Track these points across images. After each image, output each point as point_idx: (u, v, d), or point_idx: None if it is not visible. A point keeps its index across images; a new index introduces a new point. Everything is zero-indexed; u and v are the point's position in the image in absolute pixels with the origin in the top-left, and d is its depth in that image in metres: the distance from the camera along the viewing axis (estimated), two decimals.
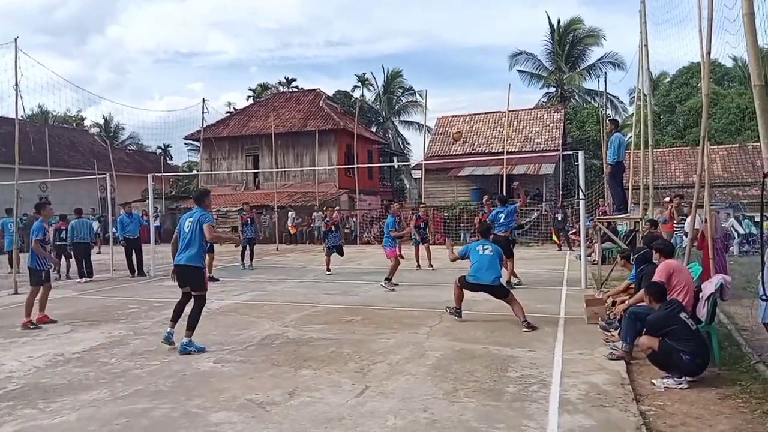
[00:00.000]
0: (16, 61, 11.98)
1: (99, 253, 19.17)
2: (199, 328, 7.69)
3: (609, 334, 6.79)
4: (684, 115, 35.49)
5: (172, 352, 6.55)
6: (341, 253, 14.15)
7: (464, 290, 8.04)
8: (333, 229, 13.99)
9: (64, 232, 13.89)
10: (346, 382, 5.31)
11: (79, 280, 13.49)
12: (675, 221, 12.38)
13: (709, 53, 7.09)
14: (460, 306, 8.03)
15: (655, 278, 5.97)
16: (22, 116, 12.94)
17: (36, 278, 8.42)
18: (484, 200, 16.54)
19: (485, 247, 7.93)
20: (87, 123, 51.91)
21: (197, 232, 6.41)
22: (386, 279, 11.22)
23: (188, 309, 6.61)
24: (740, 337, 6.62)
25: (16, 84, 12.05)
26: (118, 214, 16.64)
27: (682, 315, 5.20)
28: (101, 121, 51.21)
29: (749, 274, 10.40)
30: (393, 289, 10.92)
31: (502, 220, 10.86)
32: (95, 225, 19.51)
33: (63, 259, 14.05)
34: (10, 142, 17.30)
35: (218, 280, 12.62)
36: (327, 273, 13.65)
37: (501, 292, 7.89)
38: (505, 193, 23.63)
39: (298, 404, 4.74)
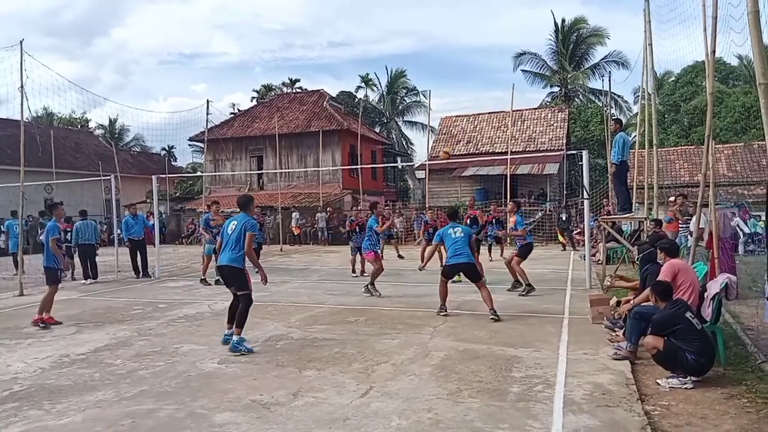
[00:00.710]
0: (21, 64, 12.04)
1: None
2: (204, 329, 7.73)
3: (614, 333, 6.77)
4: (689, 114, 35.40)
5: (176, 353, 6.58)
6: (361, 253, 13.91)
7: (447, 282, 8.49)
8: (357, 229, 13.85)
9: (69, 233, 13.94)
10: (351, 382, 5.31)
11: (83, 281, 13.53)
12: (680, 221, 12.35)
13: (713, 52, 7.07)
14: (444, 303, 8.41)
15: (660, 278, 5.96)
16: (27, 118, 12.99)
17: (54, 277, 8.59)
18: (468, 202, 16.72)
19: (455, 229, 8.48)
20: (92, 125, 52.15)
21: (242, 236, 6.62)
22: (368, 284, 10.45)
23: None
24: (746, 337, 6.58)
25: (22, 86, 12.11)
26: (123, 215, 16.70)
27: (688, 314, 5.18)
28: (106, 123, 51.41)
29: (755, 273, 10.36)
30: (376, 295, 10.24)
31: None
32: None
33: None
34: (16, 144, 17.39)
35: (210, 284, 12.17)
36: (353, 275, 13.25)
37: (475, 273, 8.36)
38: (509, 193, 23.73)
39: (303, 405, 4.75)
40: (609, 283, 9.18)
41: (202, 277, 12.65)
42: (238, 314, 6.59)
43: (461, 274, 8.78)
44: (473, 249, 8.80)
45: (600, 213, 17.64)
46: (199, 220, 21.82)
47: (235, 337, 6.51)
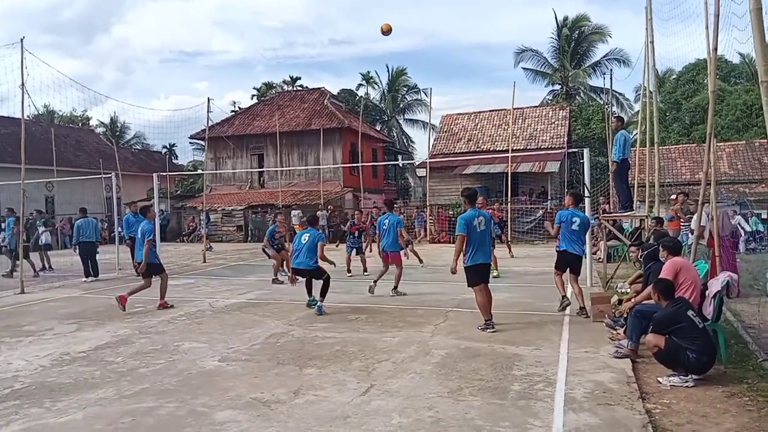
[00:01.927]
0: (22, 61, 12.02)
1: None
2: (204, 327, 7.75)
3: (615, 332, 6.77)
4: (690, 112, 35.33)
5: (177, 351, 6.58)
6: (358, 253, 13.90)
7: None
8: (356, 233, 13.79)
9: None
10: (351, 380, 5.31)
11: (84, 279, 13.53)
12: (681, 220, 12.34)
13: (715, 49, 7.05)
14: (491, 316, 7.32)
15: (662, 276, 5.94)
16: (28, 116, 12.99)
17: (158, 269, 9.66)
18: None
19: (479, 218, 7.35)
20: (93, 123, 52.08)
21: (313, 246, 8.86)
22: (395, 288, 10.27)
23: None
24: (747, 335, 6.58)
25: (23, 84, 12.10)
26: (124, 213, 16.69)
27: (689, 313, 5.17)
28: (107, 121, 51.40)
29: (756, 271, 10.35)
30: (402, 294, 10.18)
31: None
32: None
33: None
34: (17, 142, 17.39)
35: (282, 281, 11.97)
36: (348, 275, 13.05)
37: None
38: (510, 192, 23.72)
39: (303, 403, 4.75)
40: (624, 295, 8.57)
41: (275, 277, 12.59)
42: (322, 287, 8.77)
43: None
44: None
45: (597, 211, 17.60)
46: (200, 222, 21.86)
47: (320, 303, 8.67)
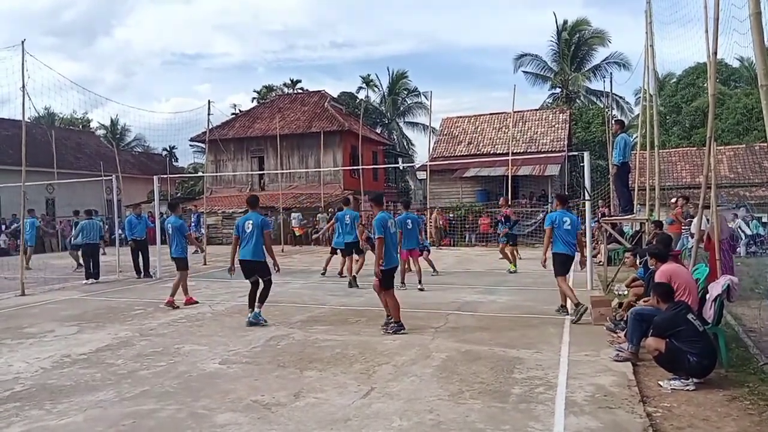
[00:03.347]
0: (23, 64, 12.04)
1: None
2: (205, 329, 7.75)
3: (615, 335, 6.77)
4: (690, 116, 35.38)
5: (177, 353, 6.58)
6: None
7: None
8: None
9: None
10: (352, 383, 5.31)
11: (85, 281, 13.52)
12: (682, 223, 12.34)
13: (715, 53, 7.06)
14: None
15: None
16: (29, 118, 13.02)
17: (184, 264, 9.92)
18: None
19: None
20: (93, 125, 52.15)
21: (260, 234, 7.90)
22: (420, 283, 11.19)
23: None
24: (748, 339, 6.58)
25: (23, 86, 12.11)
26: (125, 215, 16.70)
27: (690, 316, 5.18)
28: (108, 123, 51.45)
29: (757, 275, 10.36)
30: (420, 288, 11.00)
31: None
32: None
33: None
34: (18, 144, 17.40)
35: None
36: (341, 277, 13.05)
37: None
38: (510, 195, 23.72)
39: (304, 405, 4.75)
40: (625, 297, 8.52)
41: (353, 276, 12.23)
42: (261, 293, 7.96)
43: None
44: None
45: (596, 214, 17.60)
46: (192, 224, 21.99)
47: (256, 310, 7.90)
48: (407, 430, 4.20)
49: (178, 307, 9.51)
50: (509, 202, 16.17)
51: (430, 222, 24.63)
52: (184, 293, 9.88)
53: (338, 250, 13.08)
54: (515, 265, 13.72)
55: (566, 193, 11.20)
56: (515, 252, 14.34)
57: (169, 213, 10.59)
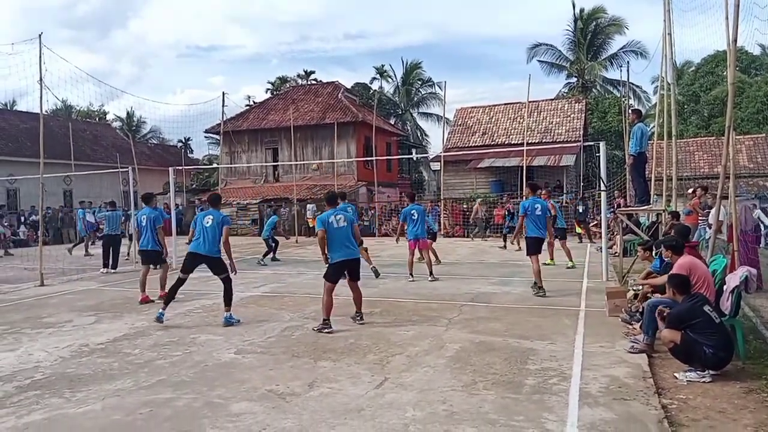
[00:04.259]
0: (40, 57, 12.16)
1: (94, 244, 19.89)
2: (220, 319, 7.79)
3: (631, 326, 6.72)
4: (709, 105, 34.84)
5: (193, 343, 6.65)
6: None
7: None
8: None
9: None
10: (365, 373, 5.34)
11: (102, 270, 13.76)
12: (699, 214, 12.18)
13: (735, 40, 6.93)
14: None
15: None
16: (46, 111, 13.17)
17: (160, 256, 9.70)
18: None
19: (337, 217, 7.33)
20: (109, 117, 52.71)
21: (218, 230, 7.59)
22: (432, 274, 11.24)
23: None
24: (766, 331, 6.49)
25: (41, 79, 12.24)
26: (140, 207, 16.87)
27: (706, 308, 5.12)
28: (123, 115, 51.93)
29: None
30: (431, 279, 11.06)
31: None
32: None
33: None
34: (36, 137, 17.62)
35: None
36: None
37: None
38: (524, 185, 23.56)
39: (318, 395, 4.78)
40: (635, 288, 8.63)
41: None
42: (226, 294, 7.59)
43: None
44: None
45: (612, 206, 17.43)
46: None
47: (226, 313, 7.57)
48: (420, 420, 4.21)
49: (153, 300, 9.27)
50: (550, 194, 15.34)
51: (445, 213, 24.60)
52: (161, 287, 9.37)
53: None
54: (571, 261, 12.79)
55: (535, 181, 11.57)
56: (552, 245, 12.94)
57: (143, 205, 10.17)
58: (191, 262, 7.68)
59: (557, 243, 13.02)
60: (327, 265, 7.31)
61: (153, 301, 9.32)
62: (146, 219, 9.53)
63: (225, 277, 7.58)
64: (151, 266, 10.03)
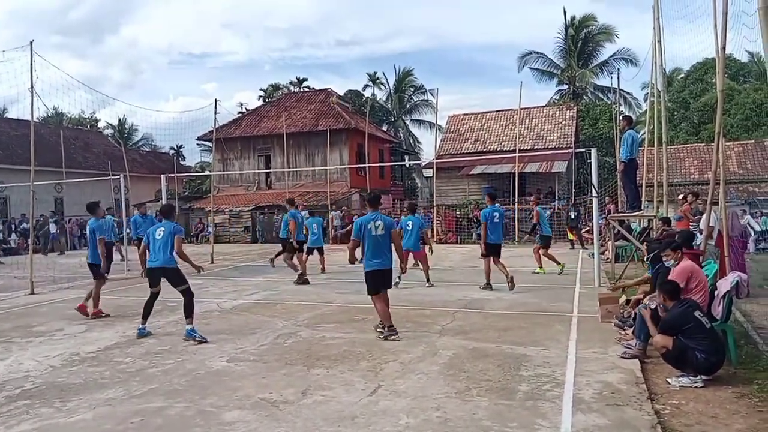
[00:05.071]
0: (31, 64, 12.10)
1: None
2: (212, 327, 7.76)
3: (623, 332, 6.74)
4: (698, 111, 35.13)
5: (185, 351, 6.61)
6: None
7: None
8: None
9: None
10: (359, 380, 5.32)
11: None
12: (691, 220, 12.26)
13: (723, 48, 7.01)
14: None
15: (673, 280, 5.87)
16: (37, 118, 13.10)
17: (99, 271, 9.09)
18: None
19: (377, 224, 6.99)
20: (101, 125, 52.46)
21: (170, 241, 7.35)
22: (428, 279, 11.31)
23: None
24: (757, 336, 6.54)
25: (32, 86, 12.18)
26: (132, 214, 16.87)
27: (697, 313, 5.15)
28: (115, 123, 51.72)
29: (766, 271, 10.29)
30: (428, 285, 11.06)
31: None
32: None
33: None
34: (27, 144, 17.54)
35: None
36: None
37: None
38: (516, 192, 23.66)
39: (311, 403, 4.76)
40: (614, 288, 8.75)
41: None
42: (186, 306, 7.24)
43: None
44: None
45: (603, 212, 17.51)
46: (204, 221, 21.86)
47: (188, 326, 7.13)
48: (414, 427, 4.20)
49: (108, 315, 8.92)
50: (538, 201, 14.82)
51: (438, 220, 24.63)
52: (94, 304, 8.91)
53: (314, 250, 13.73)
54: (560, 265, 12.54)
55: (494, 191, 11.85)
56: (540, 252, 13.00)
57: (90, 215, 9.45)
58: (151, 277, 7.55)
59: (533, 248, 13.17)
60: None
61: (108, 315, 8.90)
62: (90, 230, 9.05)
63: (184, 289, 7.31)
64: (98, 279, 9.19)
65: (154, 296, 7.58)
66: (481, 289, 10.34)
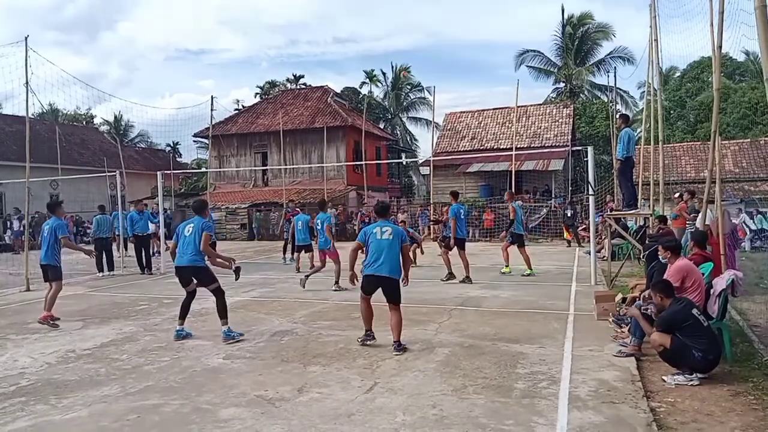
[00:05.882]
0: (26, 60, 12.05)
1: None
2: (209, 324, 7.75)
3: (619, 330, 6.76)
4: (695, 110, 35.25)
5: (181, 348, 6.60)
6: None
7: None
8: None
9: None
10: (355, 378, 5.32)
11: (98, 274, 13.86)
12: (687, 219, 12.29)
13: (720, 47, 7.03)
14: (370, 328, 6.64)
15: (668, 279, 5.87)
16: (32, 114, 13.05)
17: (57, 273, 8.53)
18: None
19: (383, 229, 6.49)
20: (97, 121, 52.28)
21: (198, 238, 6.96)
22: (335, 284, 10.73)
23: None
24: (752, 334, 6.56)
25: (27, 82, 12.13)
26: (129, 210, 16.86)
27: (693, 311, 5.16)
28: (111, 119, 51.55)
29: (761, 270, 10.33)
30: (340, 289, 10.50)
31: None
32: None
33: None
34: (22, 140, 17.46)
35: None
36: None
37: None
38: (513, 190, 23.67)
39: (308, 400, 4.76)
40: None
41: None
42: (219, 307, 7.01)
43: None
44: None
45: (603, 209, 17.53)
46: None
47: (223, 327, 6.93)
48: (411, 424, 4.21)
49: (59, 318, 8.21)
50: (512, 197, 14.79)
51: (432, 218, 24.62)
52: (48, 307, 8.17)
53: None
54: (529, 268, 12.25)
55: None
56: (508, 250, 12.73)
57: (50, 215, 8.89)
58: (180, 276, 7.15)
59: (516, 248, 12.49)
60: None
61: (58, 319, 8.19)
62: (48, 230, 8.43)
63: (215, 288, 7.01)
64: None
65: (190, 296, 7.21)
66: (443, 281, 11.25)
